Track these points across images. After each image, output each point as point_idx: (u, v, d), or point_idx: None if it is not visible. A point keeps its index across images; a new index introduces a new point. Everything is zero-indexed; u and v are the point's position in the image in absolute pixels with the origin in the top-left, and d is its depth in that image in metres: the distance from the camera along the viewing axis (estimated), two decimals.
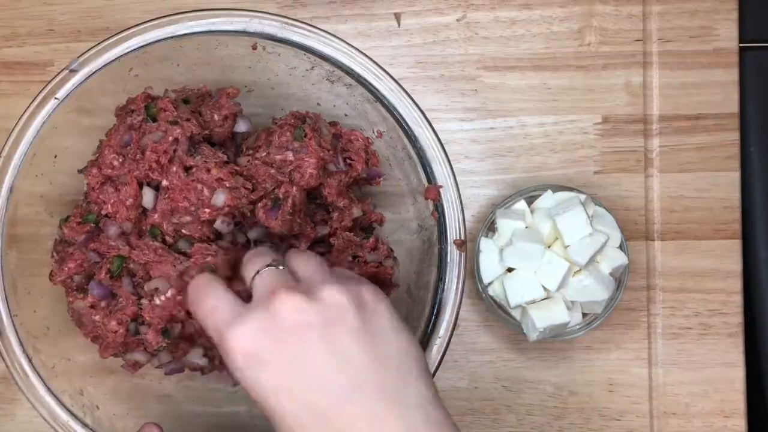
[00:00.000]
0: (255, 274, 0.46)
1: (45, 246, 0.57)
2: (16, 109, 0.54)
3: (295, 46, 0.53)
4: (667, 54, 0.66)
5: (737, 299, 0.65)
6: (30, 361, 0.53)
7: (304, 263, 0.48)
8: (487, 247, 0.61)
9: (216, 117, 0.57)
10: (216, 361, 0.57)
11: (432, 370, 0.53)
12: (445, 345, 0.53)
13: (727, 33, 0.66)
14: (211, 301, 0.46)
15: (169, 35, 0.53)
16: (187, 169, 0.54)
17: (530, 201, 0.62)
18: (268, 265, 0.46)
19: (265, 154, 0.55)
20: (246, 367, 0.43)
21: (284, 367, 0.43)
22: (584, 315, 0.62)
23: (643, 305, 0.65)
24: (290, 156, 0.55)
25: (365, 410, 0.42)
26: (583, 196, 0.60)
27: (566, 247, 0.59)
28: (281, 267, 0.47)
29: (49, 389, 0.53)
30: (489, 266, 0.61)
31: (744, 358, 0.65)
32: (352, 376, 0.42)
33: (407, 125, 0.54)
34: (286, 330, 0.43)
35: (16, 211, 0.54)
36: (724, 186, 0.65)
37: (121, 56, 0.53)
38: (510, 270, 0.60)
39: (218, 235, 0.55)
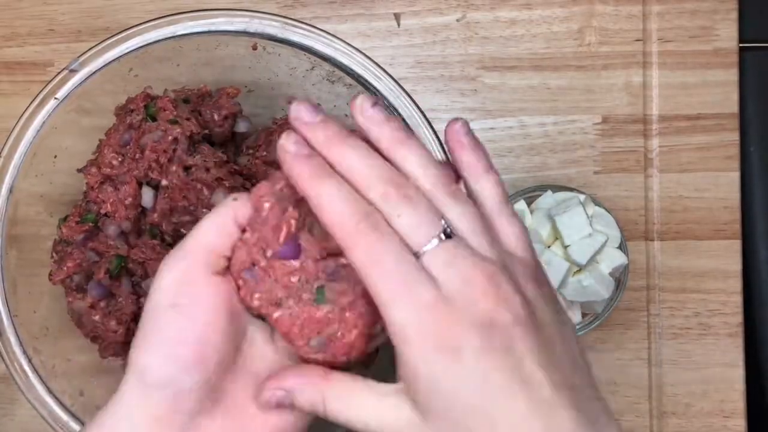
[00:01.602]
0: (423, 249, 0.36)
1: (45, 246, 0.57)
2: (16, 109, 0.54)
3: (296, 46, 0.53)
4: (667, 54, 0.66)
5: (737, 299, 0.65)
6: (30, 361, 0.53)
7: (469, 215, 0.37)
8: None
9: (216, 117, 0.57)
10: None
11: None
12: None
13: (726, 33, 0.66)
14: (389, 257, 0.36)
15: (169, 35, 0.53)
16: (187, 168, 0.54)
17: (530, 201, 0.62)
18: (440, 233, 0.36)
19: (265, 153, 0.56)
20: (441, 361, 0.35)
21: (487, 374, 0.35)
22: (584, 315, 0.62)
23: (642, 305, 0.65)
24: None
25: None
26: (582, 196, 0.60)
27: (566, 247, 0.59)
28: (455, 235, 0.36)
29: (49, 389, 0.53)
30: None
31: (744, 358, 0.65)
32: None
33: (407, 125, 0.54)
34: (493, 327, 0.35)
35: (16, 211, 0.54)
36: (724, 186, 0.65)
37: (121, 56, 0.53)
38: None
39: None
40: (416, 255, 0.36)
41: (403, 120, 0.54)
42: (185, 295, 0.39)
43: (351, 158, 0.37)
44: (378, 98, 0.40)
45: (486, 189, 0.39)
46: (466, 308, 0.35)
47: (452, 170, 0.40)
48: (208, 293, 0.39)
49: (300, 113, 0.39)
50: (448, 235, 0.36)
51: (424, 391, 0.36)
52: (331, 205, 0.36)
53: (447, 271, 0.36)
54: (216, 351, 0.39)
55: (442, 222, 0.37)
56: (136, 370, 0.39)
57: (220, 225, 0.40)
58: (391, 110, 0.54)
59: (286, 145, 0.38)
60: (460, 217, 0.37)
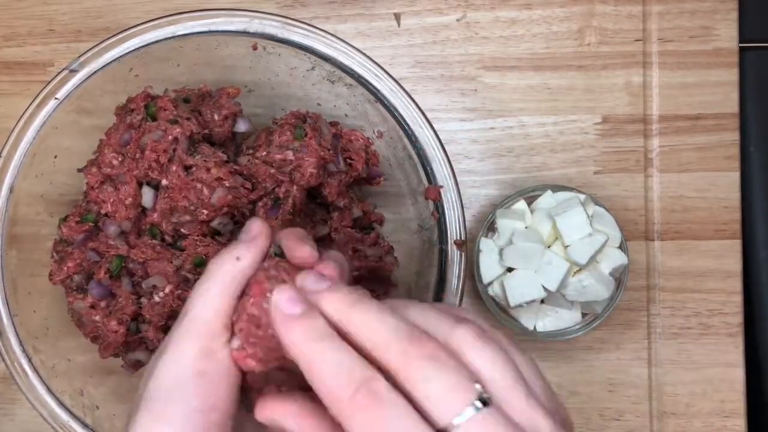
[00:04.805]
0: (454, 423, 0.30)
1: (45, 246, 0.57)
2: (16, 109, 0.55)
3: (296, 46, 0.54)
4: (667, 54, 0.66)
5: (737, 299, 0.65)
6: (30, 361, 0.53)
7: (502, 367, 0.32)
8: (487, 247, 0.61)
9: (216, 117, 0.57)
10: None
11: None
12: None
13: (727, 33, 0.66)
14: None
15: (170, 35, 0.53)
16: (187, 168, 0.54)
17: (530, 201, 0.62)
18: (473, 403, 0.30)
19: (265, 153, 0.56)
20: None
21: None
22: (584, 315, 0.62)
23: (643, 305, 0.65)
24: (290, 155, 0.55)
25: None
26: (582, 196, 0.60)
27: (566, 247, 0.59)
28: (490, 406, 0.30)
29: (49, 389, 0.53)
30: (489, 266, 0.61)
31: (744, 358, 0.65)
32: None
33: (407, 125, 0.54)
34: None
35: (16, 211, 0.54)
36: (724, 186, 0.65)
37: (121, 56, 0.54)
38: (510, 270, 0.60)
39: (218, 233, 0.55)
40: (443, 430, 0.30)
41: (404, 119, 0.54)
42: (210, 363, 0.37)
43: (361, 316, 0.32)
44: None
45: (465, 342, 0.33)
46: None
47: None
48: (227, 359, 0.38)
49: (305, 282, 0.36)
50: (484, 402, 0.30)
51: None
52: (323, 372, 0.32)
53: None
54: (231, 417, 0.38)
55: (477, 386, 0.30)
56: None
57: (229, 292, 0.38)
58: (392, 109, 0.54)
59: (279, 302, 0.35)
60: (499, 377, 0.31)
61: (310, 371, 0.32)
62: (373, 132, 0.58)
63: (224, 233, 0.55)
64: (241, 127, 0.58)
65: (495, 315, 0.62)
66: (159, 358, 0.38)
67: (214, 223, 0.54)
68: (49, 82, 0.53)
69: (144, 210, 0.55)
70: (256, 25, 0.53)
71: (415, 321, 0.33)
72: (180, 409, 0.37)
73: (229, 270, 0.38)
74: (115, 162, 0.55)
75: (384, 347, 0.31)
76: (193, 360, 0.37)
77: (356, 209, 0.58)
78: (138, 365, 0.57)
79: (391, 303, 0.34)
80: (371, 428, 0.30)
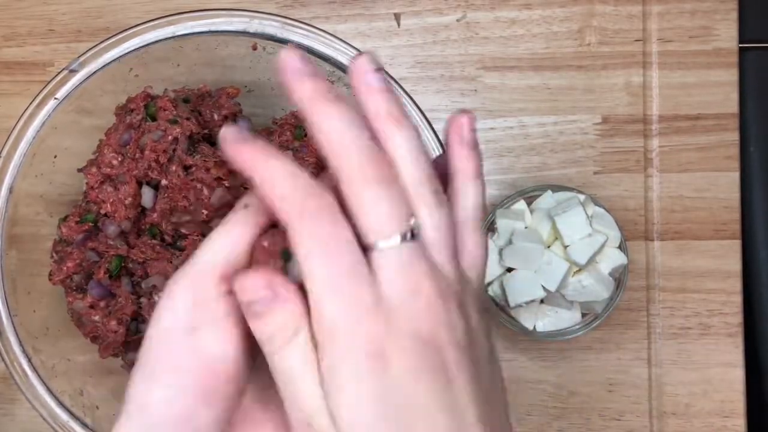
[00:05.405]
0: (379, 244, 0.32)
1: (45, 246, 0.57)
2: (16, 109, 0.55)
3: (296, 46, 0.54)
4: (667, 54, 0.66)
5: (737, 299, 0.65)
6: (30, 361, 0.53)
7: (444, 226, 0.34)
8: None
9: (216, 116, 0.57)
10: None
11: None
12: None
13: (726, 33, 0.66)
14: (337, 244, 0.31)
15: (169, 35, 0.53)
16: (187, 168, 0.54)
17: (530, 201, 0.62)
18: (405, 233, 0.32)
19: None
20: (368, 368, 0.31)
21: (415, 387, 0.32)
22: (584, 315, 0.62)
23: (642, 305, 0.65)
24: (290, 155, 0.55)
25: None
26: (582, 196, 0.60)
27: (566, 247, 0.59)
28: (419, 238, 0.33)
29: (49, 389, 0.53)
30: (489, 266, 0.61)
31: (744, 358, 0.65)
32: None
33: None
34: (430, 345, 0.32)
35: (16, 211, 0.54)
36: (724, 186, 0.65)
37: (121, 56, 0.54)
38: (510, 270, 0.60)
39: None
40: (367, 247, 0.32)
41: None
42: (202, 318, 0.34)
43: (333, 121, 0.33)
44: (382, 66, 0.34)
45: (470, 195, 0.36)
46: (407, 320, 0.32)
47: (438, 172, 0.36)
48: (224, 315, 0.34)
49: (289, 62, 0.34)
50: (413, 236, 0.32)
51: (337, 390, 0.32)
52: (275, 182, 0.32)
53: (397, 276, 0.32)
54: (232, 380, 0.34)
55: (412, 221, 0.32)
56: (142, 407, 0.34)
57: (234, 238, 0.35)
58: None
59: (225, 134, 0.33)
60: (433, 223, 0.33)
61: (264, 185, 0.32)
62: None
63: None
64: (241, 127, 0.58)
65: (495, 315, 0.62)
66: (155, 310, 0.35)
67: (214, 223, 0.54)
68: (49, 82, 0.53)
69: (144, 210, 0.55)
70: (256, 25, 0.53)
71: (393, 151, 0.34)
72: (168, 366, 0.34)
73: (234, 218, 0.36)
74: (114, 162, 0.55)
75: (345, 153, 0.32)
76: (185, 311, 0.34)
77: None
78: None
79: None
80: (315, 234, 0.31)
